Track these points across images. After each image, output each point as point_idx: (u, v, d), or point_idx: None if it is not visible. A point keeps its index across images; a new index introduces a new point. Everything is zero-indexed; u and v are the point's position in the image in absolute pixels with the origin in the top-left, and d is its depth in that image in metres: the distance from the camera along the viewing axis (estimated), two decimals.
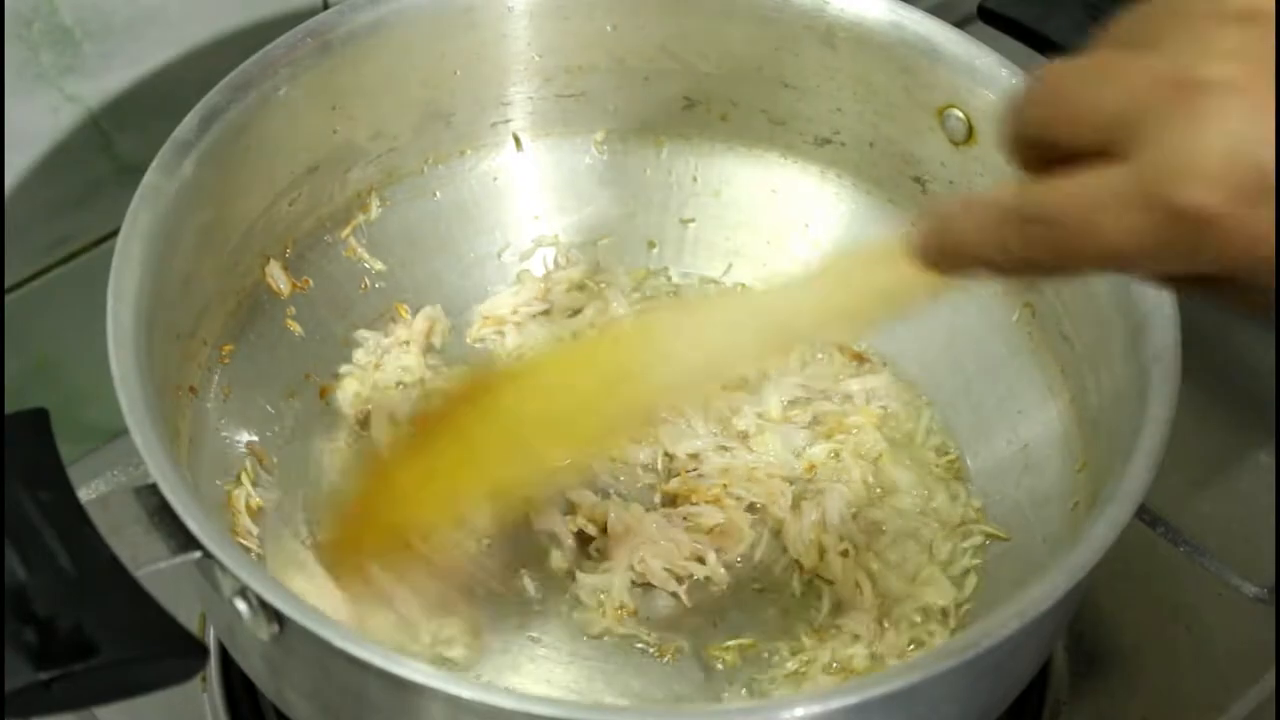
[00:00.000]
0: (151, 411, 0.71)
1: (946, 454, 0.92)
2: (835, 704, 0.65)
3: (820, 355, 0.96)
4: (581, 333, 0.95)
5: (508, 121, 0.97)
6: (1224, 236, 0.51)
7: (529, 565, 0.87)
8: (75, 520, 0.65)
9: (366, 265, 0.95)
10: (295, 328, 0.91)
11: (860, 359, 0.96)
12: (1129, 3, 0.56)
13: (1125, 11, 0.56)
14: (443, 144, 0.96)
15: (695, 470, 0.90)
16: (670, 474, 0.90)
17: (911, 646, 0.84)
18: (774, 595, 0.87)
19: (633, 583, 0.86)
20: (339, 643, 0.64)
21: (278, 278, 0.90)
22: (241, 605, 0.67)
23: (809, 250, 0.98)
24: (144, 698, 0.64)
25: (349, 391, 0.92)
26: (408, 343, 0.94)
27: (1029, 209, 0.56)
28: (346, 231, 0.94)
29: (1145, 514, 0.97)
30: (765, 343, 0.72)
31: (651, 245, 1.00)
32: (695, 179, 0.99)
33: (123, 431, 0.70)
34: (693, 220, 1.00)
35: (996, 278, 0.59)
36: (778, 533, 0.89)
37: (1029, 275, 0.59)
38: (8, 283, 0.91)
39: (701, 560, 0.87)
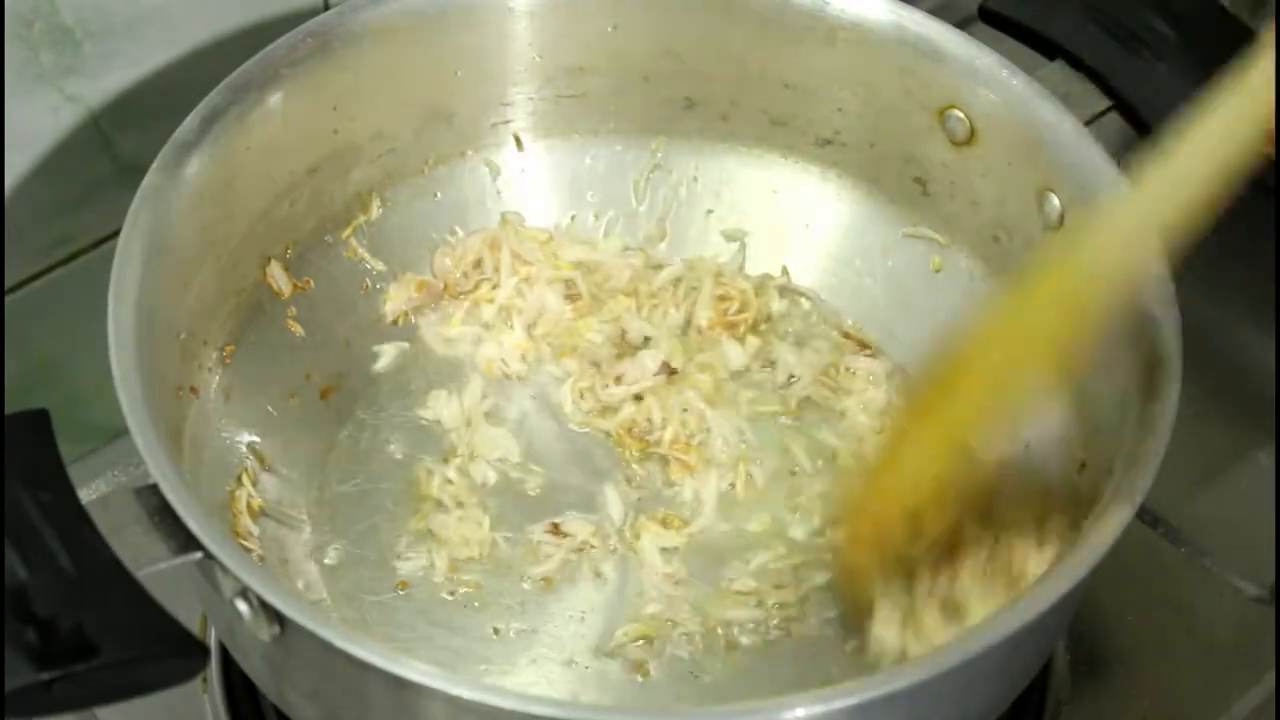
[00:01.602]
0: (152, 412, 0.71)
1: None
2: (836, 704, 0.65)
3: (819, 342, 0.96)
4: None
5: (508, 122, 0.97)
6: None
7: None
8: (75, 520, 0.65)
9: (367, 265, 0.94)
10: (296, 328, 0.91)
11: (863, 344, 0.96)
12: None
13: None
14: (443, 144, 0.96)
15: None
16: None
17: None
18: None
19: None
20: (340, 643, 0.64)
21: (278, 278, 0.90)
22: (242, 606, 0.67)
23: (809, 250, 0.98)
24: (144, 698, 0.64)
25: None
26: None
27: None
28: (347, 232, 0.94)
29: (1145, 514, 0.97)
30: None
31: (652, 244, 1.00)
32: (695, 179, 0.99)
33: (123, 431, 0.70)
34: (694, 220, 1.00)
35: None
36: None
37: None
38: (8, 283, 0.91)
39: None
